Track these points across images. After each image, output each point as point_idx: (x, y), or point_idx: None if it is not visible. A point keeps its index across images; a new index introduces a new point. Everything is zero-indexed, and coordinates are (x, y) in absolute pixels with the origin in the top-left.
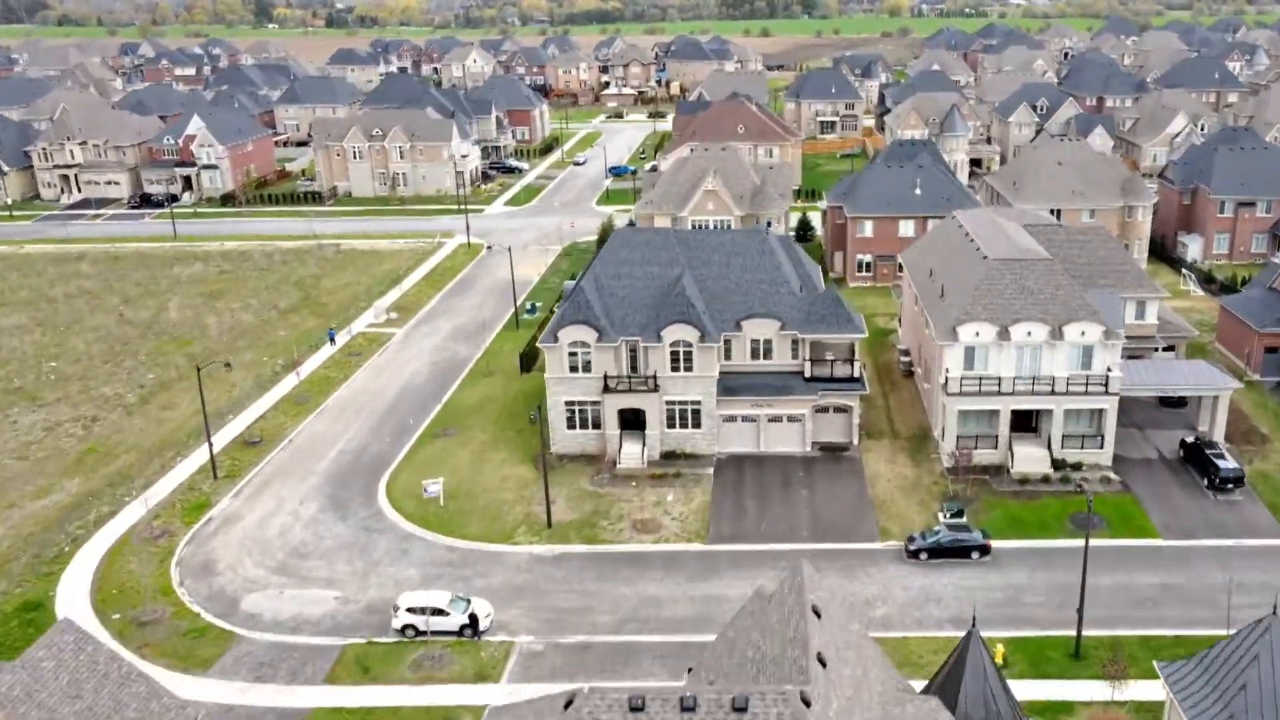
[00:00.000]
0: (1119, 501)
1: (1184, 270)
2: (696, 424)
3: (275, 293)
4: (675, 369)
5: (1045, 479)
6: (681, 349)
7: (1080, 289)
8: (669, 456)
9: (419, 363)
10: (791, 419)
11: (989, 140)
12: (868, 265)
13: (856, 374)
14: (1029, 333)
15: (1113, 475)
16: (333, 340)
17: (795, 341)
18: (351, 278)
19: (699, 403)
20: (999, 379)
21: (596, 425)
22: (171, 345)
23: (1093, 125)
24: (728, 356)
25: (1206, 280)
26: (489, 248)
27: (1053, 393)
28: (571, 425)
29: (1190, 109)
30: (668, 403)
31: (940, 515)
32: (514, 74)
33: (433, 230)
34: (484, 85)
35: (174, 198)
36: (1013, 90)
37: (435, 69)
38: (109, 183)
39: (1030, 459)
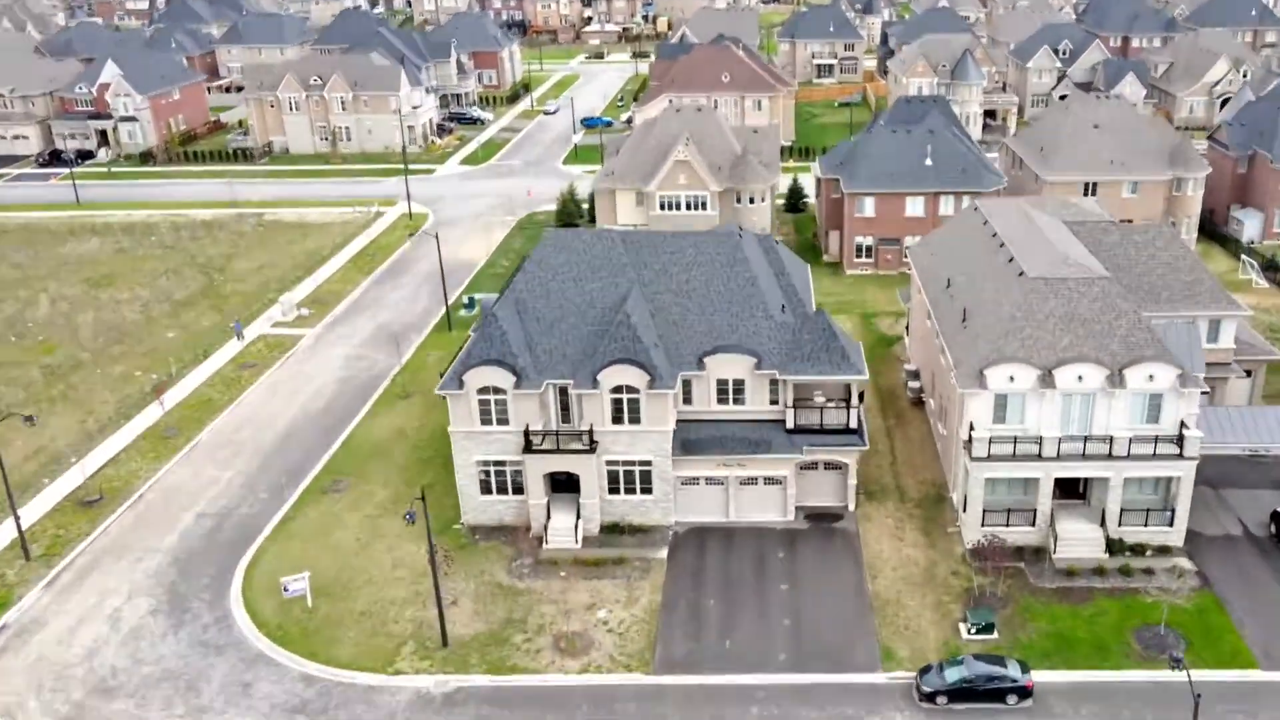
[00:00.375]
0: (1198, 608)
1: (1243, 256)
2: (647, 488)
3: (175, 279)
4: (618, 421)
5: (1099, 570)
6: (625, 397)
7: (1146, 319)
8: (612, 530)
9: (326, 378)
10: (770, 481)
11: (1004, 88)
12: (868, 249)
13: (854, 424)
14: (1080, 377)
15: (1187, 564)
16: (240, 336)
17: (775, 382)
18: (268, 258)
19: (649, 463)
20: (1040, 439)
21: (518, 489)
22: (30, 353)
23: (1122, 72)
24: (687, 401)
25: (1269, 267)
26: (411, 236)
27: (1110, 456)
28: (487, 489)
29: (1230, 51)
30: (609, 463)
31: (963, 627)
32: (489, 9)
33: (371, 197)
34: (446, 24)
35: (86, 155)
36: (1031, 31)
37: (408, 2)
38: (16, 137)
39: (1079, 540)
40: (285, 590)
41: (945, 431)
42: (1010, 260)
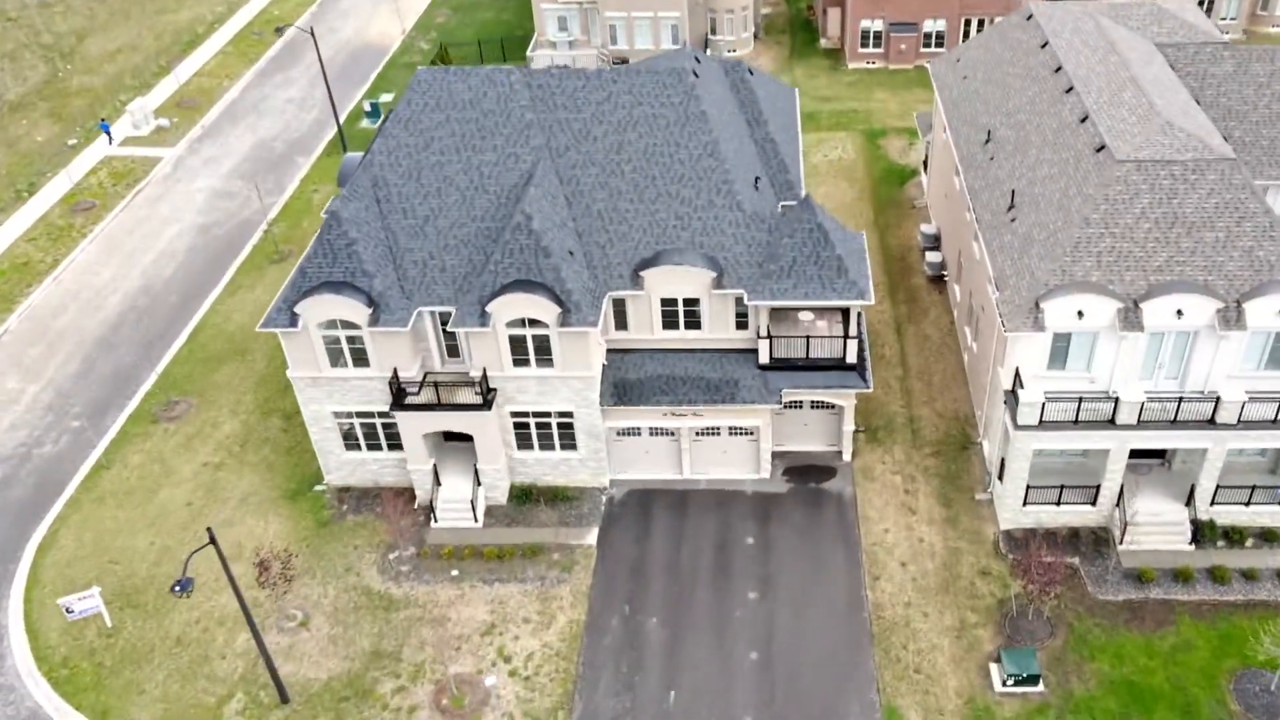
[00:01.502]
0: None
1: None
2: (569, 444)
3: (10, 69)
4: (522, 364)
5: (1182, 575)
6: (530, 333)
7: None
8: (524, 498)
9: (180, 226)
10: (737, 431)
11: None
12: (876, 36)
13: (852, 359)
14: (1180, 312)
15: None
16: (109, 136)
17: (741, 301)
18: (130, 37)
19: (569, 414)
20: (1115, 398)
21: (396, 444)
22: None
23: None
24: (621, 325)
25: None
26: (280, 31)
27: (1212, 423)
28: (353, 444)
29: None
30: (515, 414)
31: (995, 672)
32: None
33: None
34: None
35: None
36: None
37: None
38: None
39: (1156, 525)
40: (69, 613)
41: (976, 347)
42: (1084, 120)
